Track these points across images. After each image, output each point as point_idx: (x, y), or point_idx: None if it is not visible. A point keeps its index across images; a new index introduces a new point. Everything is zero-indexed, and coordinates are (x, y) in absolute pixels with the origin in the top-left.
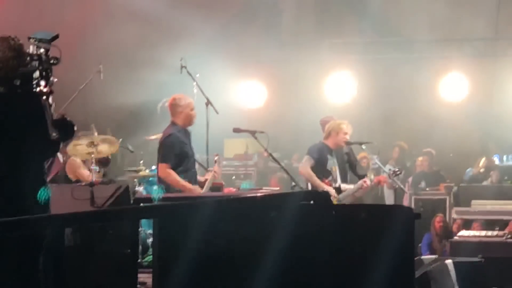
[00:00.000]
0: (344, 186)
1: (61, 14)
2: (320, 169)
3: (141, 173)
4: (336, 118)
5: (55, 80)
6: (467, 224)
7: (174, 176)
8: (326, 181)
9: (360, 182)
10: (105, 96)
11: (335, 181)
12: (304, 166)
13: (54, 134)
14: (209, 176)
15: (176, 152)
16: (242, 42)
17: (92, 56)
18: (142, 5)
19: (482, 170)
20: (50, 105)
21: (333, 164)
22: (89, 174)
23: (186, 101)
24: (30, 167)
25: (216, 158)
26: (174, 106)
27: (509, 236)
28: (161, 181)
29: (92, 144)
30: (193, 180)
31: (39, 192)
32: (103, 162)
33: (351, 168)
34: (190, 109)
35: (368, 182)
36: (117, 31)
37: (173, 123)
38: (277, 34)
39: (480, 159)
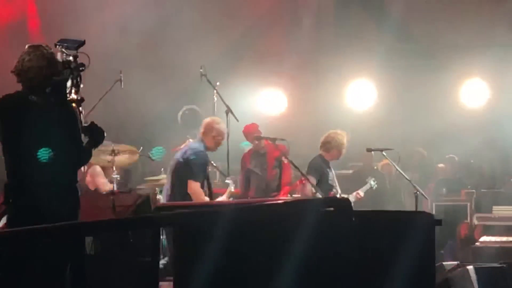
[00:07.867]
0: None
1: (81, 21)
2: (324, 185)
3: (162, 181)
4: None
5: (82, 86)
6: (488, 230)
7: (201, 197)
8: (331, 193)
9: (354, 194)
10: (126, 105)
11: (337, 192)
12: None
13: (85, 141)
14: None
15: (204, 171)
16: (261, 50)
17: (113, 65)
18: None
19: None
20: (81, 112)
21: (333, 177)
22: (106, 183)
23: (223, 129)
24: (64, 175)
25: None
26: (210, 129)
27: None
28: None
29: (112, 152)
30: None
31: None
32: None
33: None
34: (222, 138)
35: (361, 194)
36: (136, 39)
37: (202, 141)
38: (297, 41)
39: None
